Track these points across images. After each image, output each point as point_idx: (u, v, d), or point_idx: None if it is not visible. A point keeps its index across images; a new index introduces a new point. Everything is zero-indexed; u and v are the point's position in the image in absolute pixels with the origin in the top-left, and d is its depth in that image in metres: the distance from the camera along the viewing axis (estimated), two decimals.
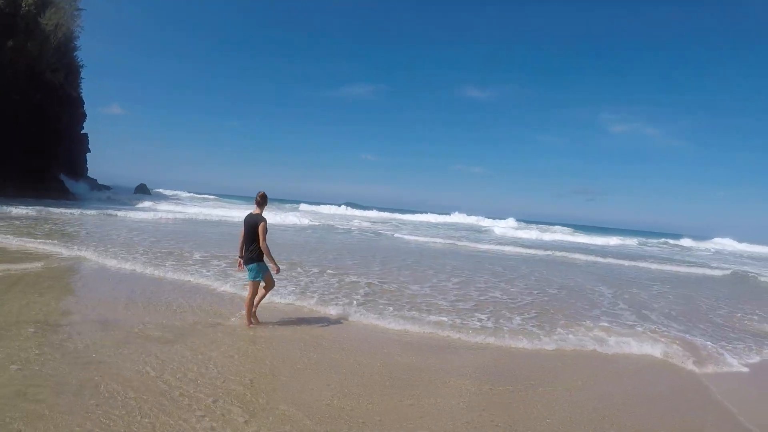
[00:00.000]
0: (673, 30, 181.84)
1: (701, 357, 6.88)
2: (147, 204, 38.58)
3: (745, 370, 6.65)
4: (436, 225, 48.94)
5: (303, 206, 65.52)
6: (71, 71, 38.59)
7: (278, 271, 6.85)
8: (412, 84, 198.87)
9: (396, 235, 28.37)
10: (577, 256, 23.14)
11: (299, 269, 11.30)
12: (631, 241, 44.66)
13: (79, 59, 40.84)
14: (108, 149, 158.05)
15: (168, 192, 71.31)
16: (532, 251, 23.68)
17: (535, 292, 11.41)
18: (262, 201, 6.72)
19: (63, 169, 38.51)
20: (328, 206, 67.44)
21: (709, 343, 7.66)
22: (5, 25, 29.18)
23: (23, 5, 30.21)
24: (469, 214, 62.03)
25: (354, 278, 10.84)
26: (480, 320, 7.99)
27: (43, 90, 32.76)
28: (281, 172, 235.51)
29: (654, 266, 21.61)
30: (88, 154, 44.48)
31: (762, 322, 10.05)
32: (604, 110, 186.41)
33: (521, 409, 4.61)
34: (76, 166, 41.89)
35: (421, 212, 64.47)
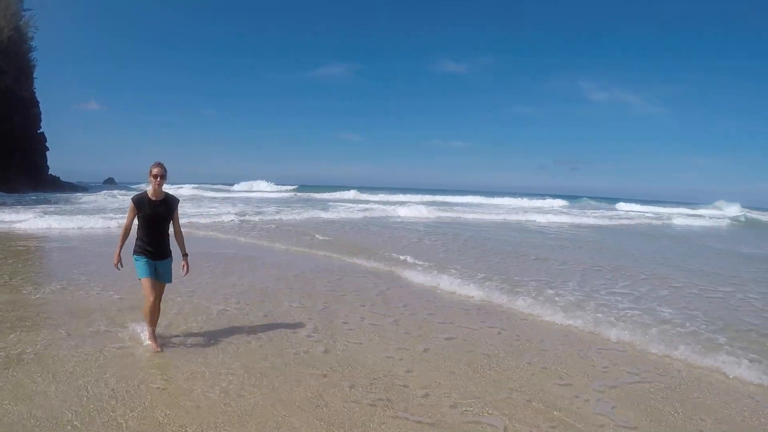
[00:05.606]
0: None
1: None
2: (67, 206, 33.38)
3: None
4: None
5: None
6: (23, 73, 39.26)
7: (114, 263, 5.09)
8: (387, 60, 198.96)
9: None
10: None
11: None
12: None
13: (33, 59, 41.54)
14: (87, 145, 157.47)
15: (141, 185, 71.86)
16: None
17: None
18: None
19: (17, 169, 39.41)
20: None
21: None
22: None
23: None
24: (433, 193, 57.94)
25: None
26: None
27: None
28: (259, 154, 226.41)
29: None
30: (48, 153, 45.31)
31: None
32: (582, 78, 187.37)
33: None
34: (33, 166, 42.73)
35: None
